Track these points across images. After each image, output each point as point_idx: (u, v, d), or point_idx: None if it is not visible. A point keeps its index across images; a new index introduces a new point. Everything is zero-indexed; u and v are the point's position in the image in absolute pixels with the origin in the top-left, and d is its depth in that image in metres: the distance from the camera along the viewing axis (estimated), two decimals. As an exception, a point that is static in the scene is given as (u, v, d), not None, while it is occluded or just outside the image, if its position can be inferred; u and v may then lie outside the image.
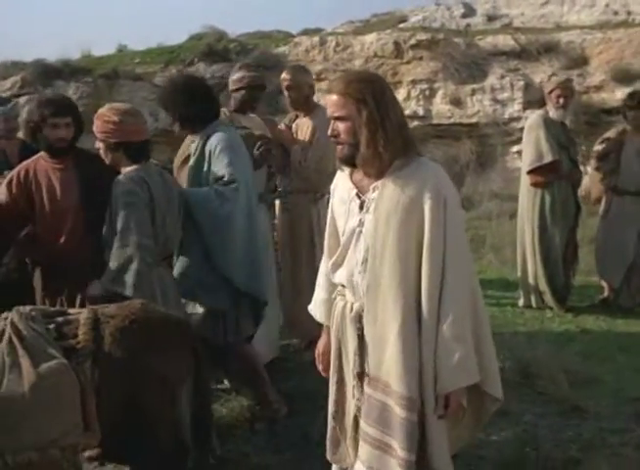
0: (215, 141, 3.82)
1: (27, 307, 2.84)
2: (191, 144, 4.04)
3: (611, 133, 6.18)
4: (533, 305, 5.85)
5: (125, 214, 3.37)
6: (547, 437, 3.66)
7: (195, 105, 3.82)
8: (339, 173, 2.70)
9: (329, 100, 2.52)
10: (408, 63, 13.59)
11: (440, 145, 13.19)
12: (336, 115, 2.50)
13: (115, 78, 15.31)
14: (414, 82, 13.38)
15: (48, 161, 3.65)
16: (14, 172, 3.72)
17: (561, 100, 5.76)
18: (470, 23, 15.52)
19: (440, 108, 13.15)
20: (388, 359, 2.46)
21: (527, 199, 5.94)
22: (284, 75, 4.89)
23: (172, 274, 3.75)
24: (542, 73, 12.52)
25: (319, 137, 4.72)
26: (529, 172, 5.88)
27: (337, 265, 2.63)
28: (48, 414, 2.55)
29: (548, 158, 5.70)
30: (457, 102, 13.04)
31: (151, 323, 2.90)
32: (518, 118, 12.55)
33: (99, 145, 3.55)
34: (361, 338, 2.53)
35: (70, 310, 3.01)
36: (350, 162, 2.53)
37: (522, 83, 12.60)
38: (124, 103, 3.60)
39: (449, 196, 2.46)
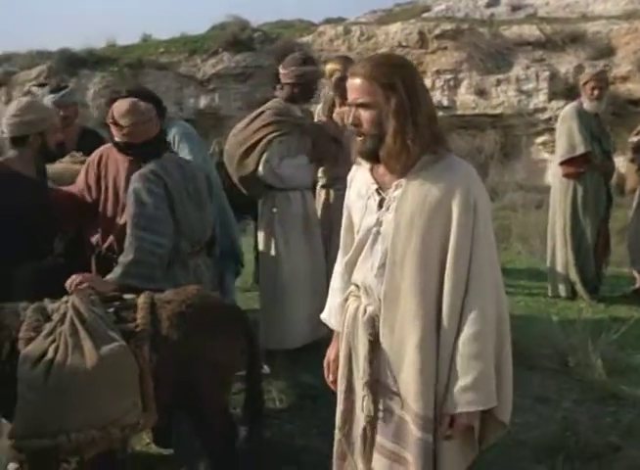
0: (174, 132, 4.08)
1: (87, 291, 2.92)
2: (253, 134, 4.15)
3: None
4: (562, 294, 5.89)
5: (137, 213, 3.35)
6: (586, 423, 3.70)
7: None
8: (356, 166, 2.45)
9: (352, 84, 2.25)
10: (433, 53, 13.61)
11: (465, 135, 13.20)
12: (359, 101, 2.23)
13: (140, 68, 15.44)
14: (438, 72, 13.41)
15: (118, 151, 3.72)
16: (92, 157, 3.80)
17: (595, 92, 5.78)
18: (494, 13, 15.49)
19: (465, 98, 13.17)
20: (406, 375, 2.26)
21: (559, 190, 5.96)
22: (333, 66, 4.93)
23: (209, 263, 3.76)
24: (568, 64, 12.52)
25: None
26: (562, 163, 5.89)
27: (351, 264, 2.43)
28: (109, 394, 2.63)
29: (581, 149, 5.72)
30: (482, 92, 13.05)
31: (206, 308, 2.97)
32: (543, 109, 12.56)
33: None
34: (372, 344, 2.32)
35: (126, 296, 3.09)
36: (372, 156, 2.27)
37: (547, 74, 12.60)
38: (124, 101, 3.50)
39: (480, 201, 2.22)
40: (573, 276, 5.85)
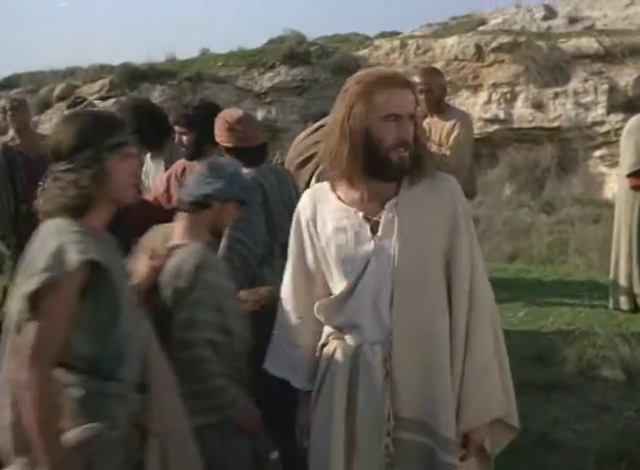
0: None
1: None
2: (312, 145, 4.25)
3: None
4: (624, 307, 5.88)
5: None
6: (648, 432, 3.73)
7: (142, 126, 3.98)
8: (309, 195, 2.31)
9: (400, 93, 2.13)
10: (489, 66, 13.59)
11: (521, 149, 13.15)
12: (411, 112, 2.14)
13: (199, 81, 15.77)
14: (495, 85, 13.38)
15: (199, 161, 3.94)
16: (174, 168, 4.04)
17: (664, 104, 5.78)
18: (551, 26, 15.41)
19: (522, 111, 13.11)
20: (436, 402, 2.14)
21: (625, 202, 5.96)
22: (416, 79, 5.05)
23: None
24: (627, 77, 12.38)
25: (458, 136, 4.90)
26: (629, 176, 5.88)
27: (335, 305, 2.22)
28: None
29: (648, 162, 5.72)
30: (539, 105, 12.98)
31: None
32: (601, 123, 12.43)
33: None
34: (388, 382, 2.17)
35: None
36: (407, 171, 2.17)
37: (606, 87, 12.47)
38: (236, 110, 3.76)
39: (468, 213, 2.25)
40: (637, 289, 5.83)
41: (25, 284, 1.93)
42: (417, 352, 2.14)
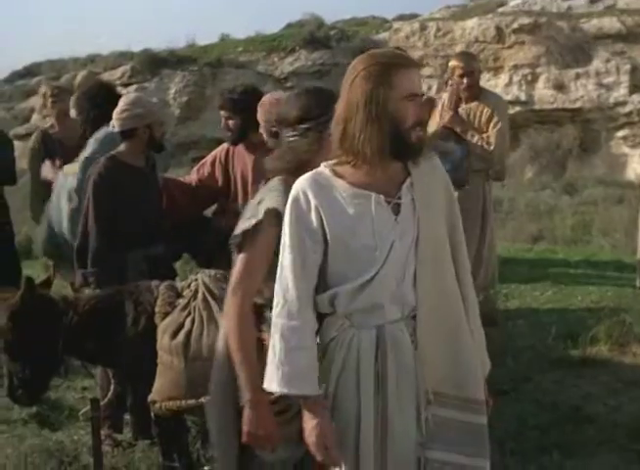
0: None
1: (212, 271, 3.19)
2: None
3: None
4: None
5: None
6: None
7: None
8: (311, 182, 2.15)
9: (417, 73, 2.17)
10: (510, 47, 13.56)
11: (542, 130, 13.14)
12: (421, 91, 2.19)
13: (219, 67, 15.84)
14: (516, 67, 13.36)
15: (244, 145, 4.06)
16: (217, 151, 4.22)
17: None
18: (571, 6, 15.32)
19: (543, 93, 13.09)
20: (465, 368, 2.18)
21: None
22: (455, 63, 5.13)
23: None
24: (649, 57, 12.35)
25: (498, 123, 5.02)
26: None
27: (359, 290, 2.12)
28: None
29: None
30: (560, 87, 12.96)
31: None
32: (623, 103, 12.41)
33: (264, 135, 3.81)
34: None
35: None
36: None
37: (628, 67, 12.43)
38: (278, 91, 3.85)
39: None
40: (662, 268, 5.90)
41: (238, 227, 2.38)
42: (441, 324, 2.17)
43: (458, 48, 13.85)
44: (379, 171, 2.13)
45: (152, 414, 3.04)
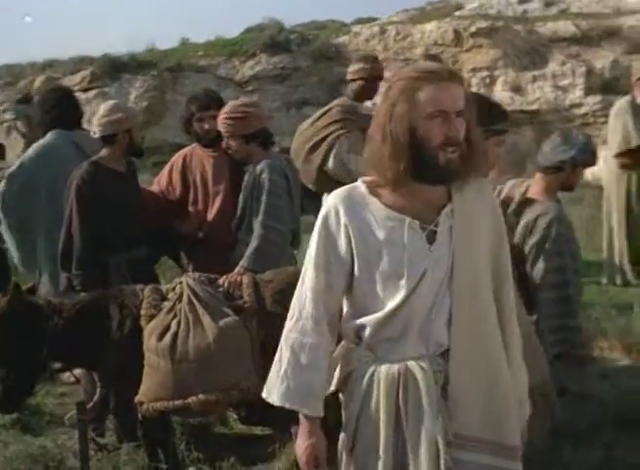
0: None
1: (196, 274, 3.24)
2: (320, 130, 4.42)
3: None
4: (617, 282, 6.15)
5: (269, 202, 3.66)
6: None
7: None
8: (344, 199, 2.05)
9: (449, 88, 1.96)
10: (468, 51, 13.77)
11: (501, 132, 13.37)
12: (460, 108, 1.97)
13: (180, 71, 15.79)
14: (474, 70, 13.56)
15: (202, 149, 4.07)
16: (173, 159, 4.19)
17: (649, 88, 6.04)
18: (527, 9, 15.62)
19: (501, 95, 13.28)
20: (499, 416, 2.05)
21: (614, 182, 6.23)
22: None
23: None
24: (603, 59, 12.63)
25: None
26: (618, 156, 6.14)
27: (382, 321, 2.03)
28: (229, 361, 2.95)
29: (635, 141, 5.98)
30: (518, 89, 13.19)
31: (303, 286, 3.27)
32: (579, 105, 12.68)
33: (229, 142, 3.85)
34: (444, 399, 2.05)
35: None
36: (461, 172, 2.00)
37: (583, 69, 12.71)
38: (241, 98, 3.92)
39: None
40: (626, 265, 6.11)
41: None
42: (476, 366, 2.02)
43: (417, 51, 14.03)
44: (413, 194, 2.00)
45: (138, 416, 3.07)
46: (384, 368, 2.03)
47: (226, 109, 3.80)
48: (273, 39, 15.70)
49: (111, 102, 4.04)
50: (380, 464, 2.03)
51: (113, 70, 15.85)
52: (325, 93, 14.07)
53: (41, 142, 4.51)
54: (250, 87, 15.35)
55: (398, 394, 2.02)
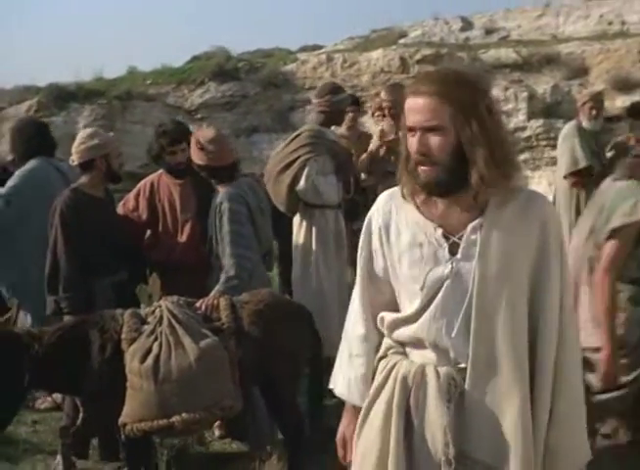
0: None
1: (174, 297, 3.33)
2: (290, 153, 4.56)
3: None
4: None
5: (235, 230, 3.77)
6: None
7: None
8: (387, 199, 2.11)
9: (415, 104, 1.92)
10: (414, 77, 14.08)
11: (448, 155, 13.70)
12: (428, 124, 1.91)
13: (129, 99, 15.76)
14: (421, 96, 13.90)
15: (169, 177, 4.17)
16: (140, 185, 4.26)
17: (593, 111, 6.36)
18: (469, 37, 16.09)
19: (447, 120, 13.66)
20: (506, 447, 1.95)
21: (564, 201, 6.50)
22: (383, 96, 5.44)
23: (264, 270, 4.20)
24: (545, 84, 13.08)
25: None
26: (567, 176, 6.43)
27: (403, 322, 2.07)
28: (210, 381, 3.04)
29: (583, 163, 6.27)
30: (463, 113, 13.55)
31: (279, 307, 3.40)
32: (523, 128, 13.07)
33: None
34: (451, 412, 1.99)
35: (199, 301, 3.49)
36: (444, 188, 1.96)
37: (525, 94, 13.12)
38: (209, 129, 3.98)
39: (564, 241, 2.05)
40: (576, 279, 6.37)
41: (610, 221, 3.18)
42: (493, 385, 1.96)
43: (365, 78, 14.33)
44: (449, 204, 1.98)
45: (121, 437, 3.12)
46: (405, 364, 2.06)
47: (200, 140, 3.88)
48: (221, 67, 15.81)
49: (88, 129, 4.14)
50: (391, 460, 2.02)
51: (60, 99, 15.73)
52: (274, 120, 14.25)
53: (27, 168, 4.64)
54: (199, 115, 15.42)
55: (411, 393, 2.03)
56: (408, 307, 2.05)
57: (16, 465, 3.71)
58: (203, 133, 3.96)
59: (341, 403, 2.33)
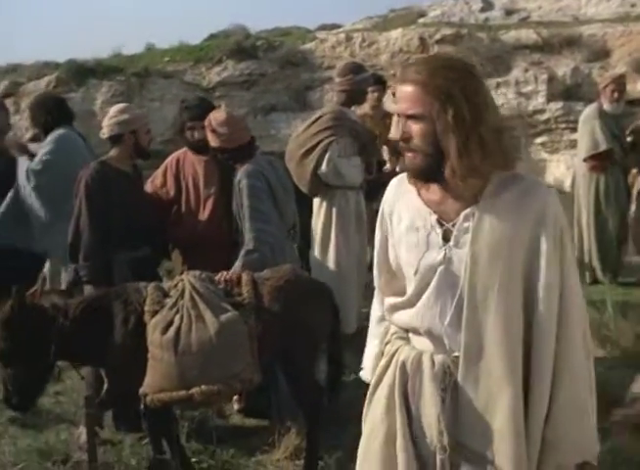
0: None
1: (197, 272, 3.38)
2: (312, 136, 4.59)
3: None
4: (586, 280, 6.43)
5: (254, 206, 3.82)
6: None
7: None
8: (395, 185, 2.14)
9: (400, 92, 1.95)
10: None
11: (466, 137, 13.66)
12: (410, 112, 1.93)
13: (147, 76, 15.79)
14: (439, 76, 13.83)
15: (193, 153, 4.21)
16: (167, 161, 4.31)
17: (615, 94, 6.35)
18: (488, 17, 15.97)
19: (466, 101, 13.59)
20: (499, 438, 1.93)
21: (583, 184, 6.52)
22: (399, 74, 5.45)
23: (292, 245, 4.25)
24: (565, 66, 12.97)
25: None
26: (586, 159, 6.42)
27: (400, 307, 2.10)
28: (230, 354, 3.09)
29: (603, 146, 6.27)
30: (482, 95, 13.48)
31: (299, 283, 3.44)
32: (542, 111, 12.99)
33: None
34: (445, 401, 1.99)
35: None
36: (425, 175, 1.97)
37: (545, 76, 13.03)
38: (220, 111, 3.99)
39: (565, 230, 1.99)
40: (595, 263, 6.39)
41: None
42: (485, 374, 1.94)
43: (383, 58, 14.27)
44: (449, 190, 1.97)
45: (141, 408, 3.18)
46: (406, 349, 2.08)
47: (212, 123, 3.91)
48: (239, 45, 15.78)
49: (120, 104, 4.20)
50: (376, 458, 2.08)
51: (78, 75, 15.77)
52: (291, 99, 14.23)
53: (56, 134, 4.86)
54: (217, 93, 15.41)
55: (409, 380, 2.05)
56: (407, 292, 2.07)
57: (40, 433, 3.79)
58: (214, 115, 3.98)
59: (360, 380, 2.37)
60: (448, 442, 1.97)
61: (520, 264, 1.93)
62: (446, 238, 1.98)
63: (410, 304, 2.04)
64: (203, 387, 3.00)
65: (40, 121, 5.01)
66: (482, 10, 16.37)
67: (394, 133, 2.11)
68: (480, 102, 1.92)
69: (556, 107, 12.66)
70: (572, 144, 11.63)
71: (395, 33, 14.60)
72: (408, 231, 2.03)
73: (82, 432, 3.74)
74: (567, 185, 11.69)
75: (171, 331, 3.07)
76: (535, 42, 13.38)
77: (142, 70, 15.82)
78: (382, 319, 2.23)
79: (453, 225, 1.97)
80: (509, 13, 15.96)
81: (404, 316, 2.07)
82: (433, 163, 1.92)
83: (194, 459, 3.40)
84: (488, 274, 1.92)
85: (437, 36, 14.00)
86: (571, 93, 12.76)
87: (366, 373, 2.30)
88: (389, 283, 2.18)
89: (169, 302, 3.18)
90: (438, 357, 2.00)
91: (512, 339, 1.92)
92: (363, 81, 4.91)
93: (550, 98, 12.87)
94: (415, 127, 1.92)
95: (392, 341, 2.13)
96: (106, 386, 3.36)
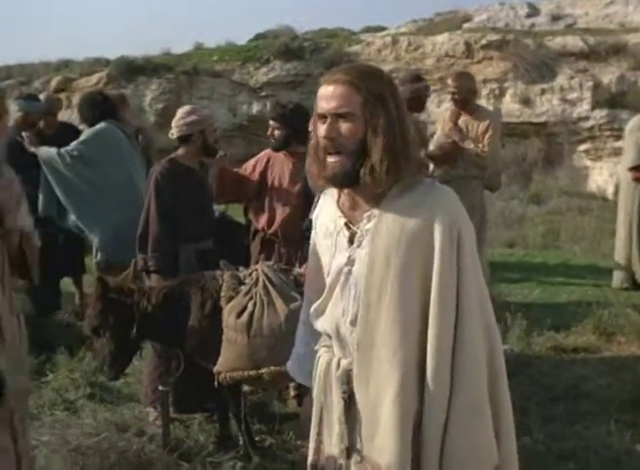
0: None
1: (270, 262, 3.63)
2: None
3: None
4: (626, 285, 6.57)
5: None
6: None
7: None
8: (323, 196, 2.15)
9: (327, 91, 1.93)
10: (479, 62, 14.11)
11: (509, 143, 13.69)
12: (340, 111, 1.91)
13: (195, 75, 16.13)
14: (484, 81, 13.90)
15: (285, 153, 4.47)
16: (261, 155, 4.66)
17: (663, 103, 6.46)
18: (534, 23, 16.04)
19: (510, 107, 13.67)
20: (381, 440, 1.92)
21: (627, 193, 6.65)
22: (449, 82, 5.89)
23: None
24: (610, 74, 13.02)
25: (493, 136, 5.70)
26: (631, 169, 6.56)
27: (320, 311, 2.08)
28: (296, 339, 3.31)
29: (648, 157, 6.41)
30: (526, 101, 13.55)
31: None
32: (586, 118, 13.05)
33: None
34: (348, 404, 1.99)
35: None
36: (343, 179, 1.95)
37: (590, 84, 13.08)
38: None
39: (464, 229, 1.93)
40: (637, 268, 6.53)
41: None
42: (374, 375, 1.93)
43: (429, 62, 14.42)
44: (357, 193, 1.99)
45: (214, 385, 3.42)
46: (325, 356, 2.10)
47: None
48: (287, 46, 16.05)
49: (187, 106, 4.43)
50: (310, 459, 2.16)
51: (129, 72, 16.17)
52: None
53: (93, 129, 5.49)
54: (263, 93, 15.69)
55: (325, 388, 2.07)
56: (320, 297, 2.09)
57: (115, 410, 4.06)
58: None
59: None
60: (347, 445, 1.99)
61: (416, 264, 1.91)
62: (352, 240, 2.00)
63: (323, 307, 2.07)
64: (272, 368, 3.23)
65: (86, 117, 5.61)
66: (528, 15, 16.45)
67: (320, 133, 1.94)
68: (404, 109, 1.97)
69: (600, 114, 12.73)
70: (616, 152, 11.69)
71: (441, 38, 14.74)
72: (324, 236, 2.08)
73: (150, 410, 4.01)
74: (609, 192, 11.77)
75: (245, 315, 3.31)
76: (581, 49, 13.44)
77: (191, 68, 16.17)
78: (304, 323, 2.25)
79: (358, 227, 2.00)
80: (555, 19, 16.02)
81: (321, 321, 2.08)
82: (354, 163, 1.91)
83: (256, 438, 3.63)
84: (384, 274, 1.92)
85: (483, 41, 14.11)
86: (616, 101, 12.82)
87: (300, 376, 2.31)
88: (320, 290, 2.13)
89: (244, 289, 3.42)
90: (343, 362, 2.01)
91: (403, 339, 1.90)
92: (420, 90, 5.18)
93: (595, 105, 12.93)
94: (344, 126, 1.91)
95: (320, 348, 2.14)
96: (181, 366, 3.60)
